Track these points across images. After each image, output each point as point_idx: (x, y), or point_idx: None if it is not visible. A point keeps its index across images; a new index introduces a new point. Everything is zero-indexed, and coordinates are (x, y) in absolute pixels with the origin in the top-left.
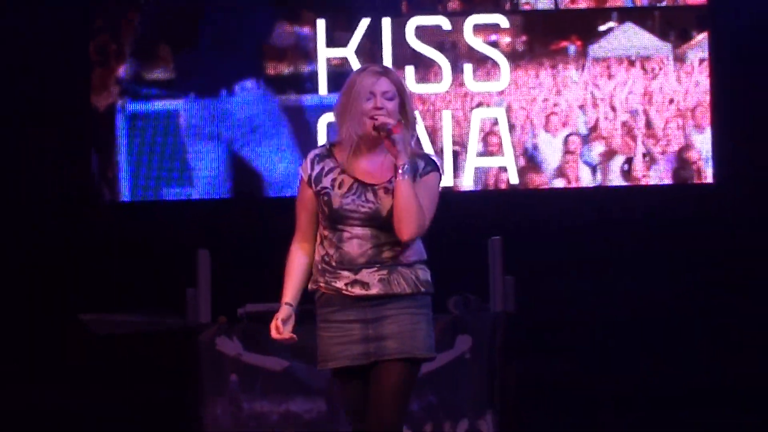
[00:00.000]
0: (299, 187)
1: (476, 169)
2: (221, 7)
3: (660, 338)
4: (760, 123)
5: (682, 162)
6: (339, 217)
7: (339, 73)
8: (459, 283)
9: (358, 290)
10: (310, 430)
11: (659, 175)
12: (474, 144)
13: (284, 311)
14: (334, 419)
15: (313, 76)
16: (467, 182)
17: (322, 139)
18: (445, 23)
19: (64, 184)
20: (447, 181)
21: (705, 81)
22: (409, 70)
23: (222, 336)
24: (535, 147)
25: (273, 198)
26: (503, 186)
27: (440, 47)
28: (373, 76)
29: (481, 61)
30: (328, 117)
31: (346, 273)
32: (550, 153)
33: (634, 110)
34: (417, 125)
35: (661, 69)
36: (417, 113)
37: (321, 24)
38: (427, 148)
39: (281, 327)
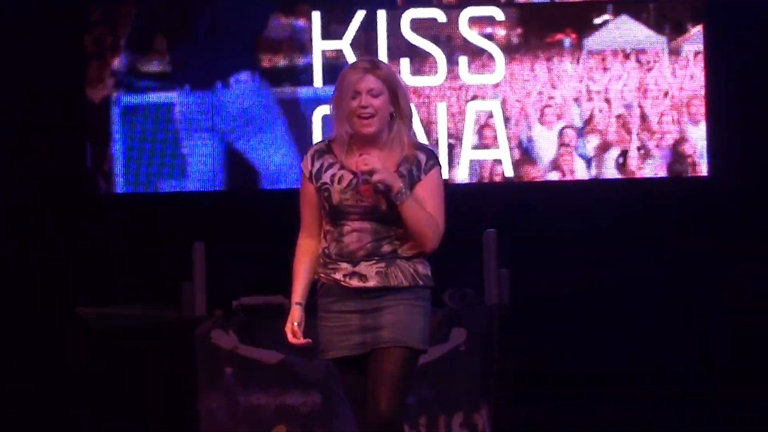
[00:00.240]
0: (301, 183)
1: (471, 161)
2: None
3: (655, 330)
4: (754, 116)
5: (676, 155)
6: (339, 212)
7: (334, 66)
8: (454, 276)
9: (355, 282)
10: (305, 422)
11: (654, 168)
12: (469, 136)
13: (297, 314)
14: (329, 412)
15: (308, 69)
16: (462, 175)
17: (317, 131)
18: (440, 16)
19: (59, 176)
20: (442, 173)
21: (700, 74)
22: (404, 63)
23: (217, 329)
24: (530, 140)
25: (268, 190)
26: (498, 179)
27: (435, 40)
28: (358, 73)
29: (477, 54)
30: (323, 109)
31: (344, 265)
32: (545, 146)
33: (629, 103)
34: (413, 118)
35: (656, 62)
36: (412, 106)
37: (316, 16)
38: (422, 141)
39: (298, 332)
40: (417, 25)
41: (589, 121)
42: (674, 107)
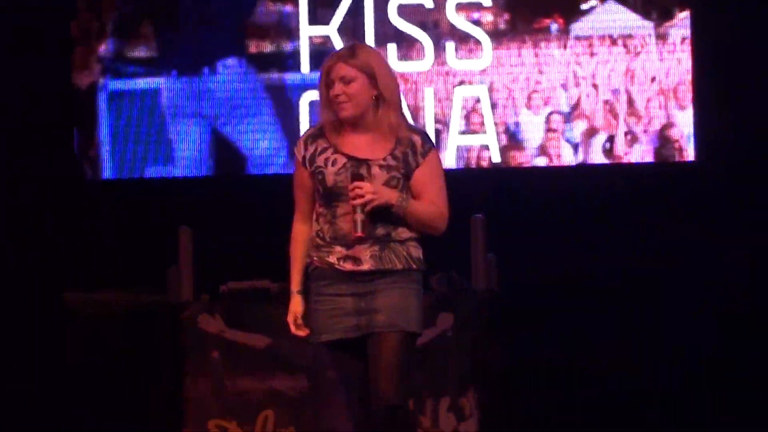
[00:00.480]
0: (294, 168)
1: (458, 147)
2: None
3: (642, 315)
4: (741, 101)
5: (663, 140)
6: (333, 194)
7: (321, 52)
8: (442, 261)
9: (349, 265)
10: (293, 407)
11: (641, 154)
12: (456, 122)
13: (299, 303)
14: (317, 396)
15: (296, 54)
16: (449, 160)
17: (304, 117)
18: (427, 1)
19: (45, 162)
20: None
21: (687, 59)
22: (392, 48)
23: (204, 313)
24: (517, 125)
25: (255, 176)
26: (485, 164)
27: (422, 25)
28: (332, 61)
29: (464, 39)
30: (310, 95)
31: (339, 248)
32: (532, 131)
33: (616, 88)
34: (401, 101)
35: (643, 47)
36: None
37: (303, 2)
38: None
39: (302, 323)
40: (404, 11)
41: (576, 106)
42: (661, 92)
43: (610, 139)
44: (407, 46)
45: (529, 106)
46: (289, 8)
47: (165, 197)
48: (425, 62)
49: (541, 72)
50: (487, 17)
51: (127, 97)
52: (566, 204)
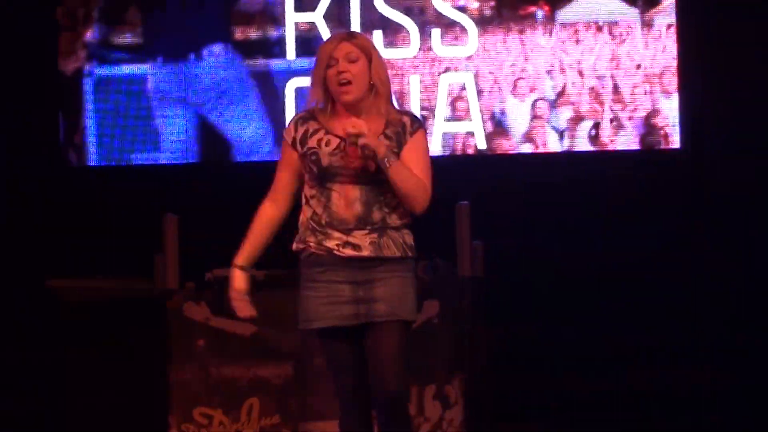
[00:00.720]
0: (282, 149)
1: (444, 134)
2: None
3: (628, 301)
4: (727, 88)
5: (649, 127)
6: (328, 174)
7: (307, 38)
8: (427, 248)
9: (349, 251)
10: (278, 394)
11: (627, 141)
12: (442, 109)
13: (240, 279)
14: (302, 384)
15: (281, 41)
16: (435, 147)
17: (290, 103)
18: None
19: (31, 148)
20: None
21: (672, 46)
22: (377, 35)
23: (190, 301)
24: (503, 112)
25: (241, 162)
26: (471, 151)
27: (408, 12)
28: (334, 42)
29: (449, 26)
30: (296, 82)
31: (337, 234)
32: (518, 118)
33: (601, 75)
34: (391, 88)
35: (628, 34)
36: None
37: None
38: None
39: (246, 305)
40: None
41: (561, 93)
42: (647, 79)
43: (596, 126)
44: (393, 32)
45: (514, 93)
46: None
47: (150, 184)
48: (411, 49)
49: (526, 59)
50: (473, 4)
51: (114, 84)
52: (552, 191)
